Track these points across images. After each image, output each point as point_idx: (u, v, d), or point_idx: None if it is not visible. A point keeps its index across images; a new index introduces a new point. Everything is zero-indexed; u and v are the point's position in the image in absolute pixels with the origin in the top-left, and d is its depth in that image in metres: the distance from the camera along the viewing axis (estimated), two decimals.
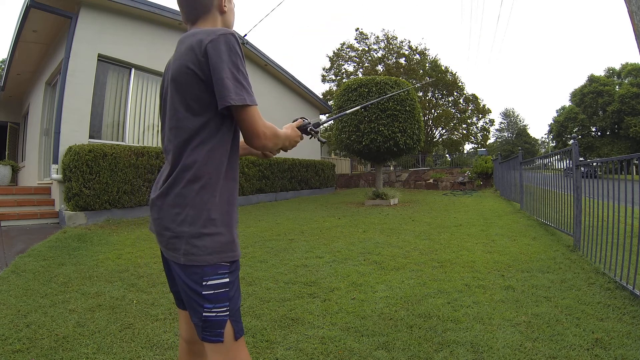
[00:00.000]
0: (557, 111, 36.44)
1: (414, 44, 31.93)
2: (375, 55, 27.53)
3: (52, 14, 5.81)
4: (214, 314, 0.90)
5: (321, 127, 1.27)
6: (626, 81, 29.24)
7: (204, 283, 0.90)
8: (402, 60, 27.08)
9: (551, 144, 41.68)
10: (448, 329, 2.05)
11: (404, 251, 3.88)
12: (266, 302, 2.52)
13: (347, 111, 1.63)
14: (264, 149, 1.03)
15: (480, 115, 29.51)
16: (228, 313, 0.92)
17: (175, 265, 0.94)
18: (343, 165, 19.00)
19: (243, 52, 0.96)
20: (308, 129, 1.22)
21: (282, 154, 10.49)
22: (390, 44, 27.25)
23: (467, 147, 33.04)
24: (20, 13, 6.00)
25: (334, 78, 28.06)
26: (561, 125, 32.36)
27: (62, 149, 5.66)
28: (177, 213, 0.92)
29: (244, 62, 0.96)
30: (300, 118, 1.25)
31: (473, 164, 13.97)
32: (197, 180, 0.92)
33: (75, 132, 5.88)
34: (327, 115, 14.76)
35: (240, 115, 0.94)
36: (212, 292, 0.90)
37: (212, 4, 1.06)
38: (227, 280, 0.93)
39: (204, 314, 0.90)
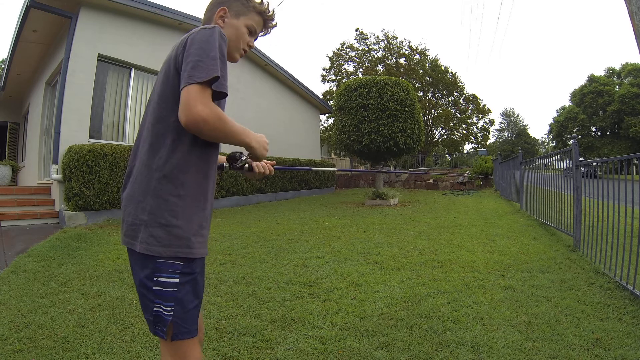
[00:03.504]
0: (557, 111, 36.43)
1: (414, 44, 31.95)
2: (375, 55, 27.54)
3: (52, 14, 5.81)
4: (162, 310, 0.90)
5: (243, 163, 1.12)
6: (626, 81, 29.22)
7: (154, 278, 0.90)
8: (402, 60, 27.10)
9: (551, 144, 41.67)
10: (448, 329, 2.04)
11: (404, 251, 3.88)
12: (266, 302, 2.52)
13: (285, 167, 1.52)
14: (195, 125, 0.86)
15: (480, 115, 29.54)
16: (172, 313, 0.90)
17: (132, 256, 0.95)
18: (343, 165, 19.01)
19: (224, 45, 0.95)
20: (236, 156, 1.11)
21: (282, 154, 10.52)
22: (390, 44, 27.27)
23: (467, 147, 33.05)
24: (20, 13, 6.00)
25: (334, 78, 28.08)
26: (561, 125, 32.35)
27: (62, 149, 5.66)
28: (139, 201, 0.93)
29: (221, 51, 0.94)
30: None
31: (473, 164, 13.97)
32: (159, 169, 0.93)
33: (75, 132, 5.88)
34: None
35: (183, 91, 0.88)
36: (160, 288, 0.90)
37: (212, 17, 1.11)
38: (177, 280, 0.91)
39: (154, 309, 0.90)
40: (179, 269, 0.92)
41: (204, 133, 0.89)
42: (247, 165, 1.12)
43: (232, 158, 1.12)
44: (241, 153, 1.13)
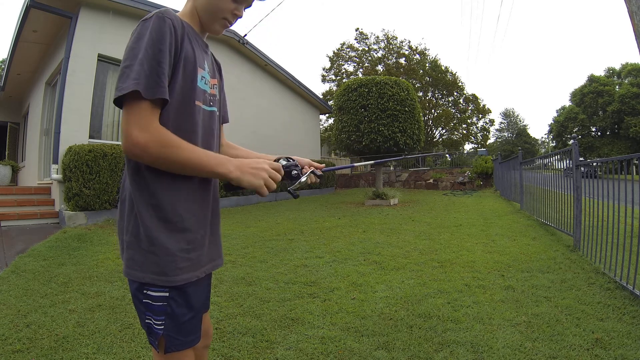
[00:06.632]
0: (557, 111, 36.47)
1: (414, 44, 31.99)
2: (375, 55, 27.55)
3: (52, 14, 5.82)
4: (152, 323, 0.85)
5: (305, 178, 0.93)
6: (626, 81, 29.23)
7: (144, 291, 0.84)
8: (402, 60, 27.10)
9: (551, 144, 41.67)
10: (448, 329, 2.04)
11: (404, 251, 3.88)
12: (266, 302, 2.52)
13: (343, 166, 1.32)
14: (134, 156, 0.76)
15: (480, 115, 29.55)
16: (163, 327, 0.85)
17: None
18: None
19: (164, 33, 0.80)
20: (293, 173, 0.92)
21: (282, 154, 10.49)
22: (390, 44, 27.28)
23: (467, 147, 33.06)
24: (20, 13, 6.00)
25: (334, 78, 28.09)
26: (561, 125, 32.36)
27: (62, 149, 5.66)
28: (127, 219, 0.86)
29: (160, 44, 0.78)
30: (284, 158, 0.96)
31: (473, 164, 13.97)
32: (138, 189, 0.83)
33: (75, 132, 5.88)
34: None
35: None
36: (149, 301, 0.84)
37: None
38: (167, 294, 0.84)
39: (146, 320, 0.85)
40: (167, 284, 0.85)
41: (149, 163, 0.78)
42: (304, 180, 0.93)
43: (288, 174, 0.92)
44: (296, 165, 0.94)
